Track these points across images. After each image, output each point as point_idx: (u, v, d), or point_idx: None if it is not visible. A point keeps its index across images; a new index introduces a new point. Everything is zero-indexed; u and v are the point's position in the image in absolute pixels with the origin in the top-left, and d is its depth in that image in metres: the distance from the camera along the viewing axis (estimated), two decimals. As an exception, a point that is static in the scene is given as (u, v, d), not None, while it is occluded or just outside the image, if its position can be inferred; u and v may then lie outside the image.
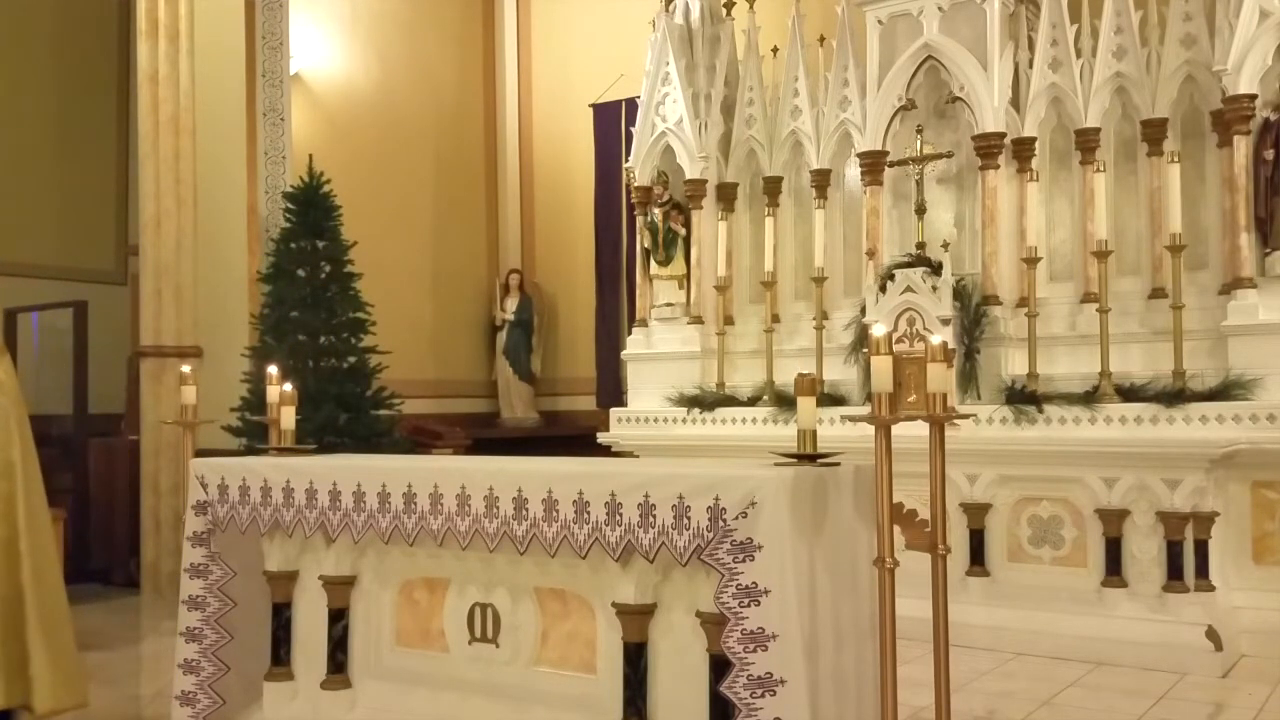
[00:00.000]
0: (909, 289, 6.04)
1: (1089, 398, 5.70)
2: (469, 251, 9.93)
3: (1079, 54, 6.12)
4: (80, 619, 6.44)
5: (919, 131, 6.32)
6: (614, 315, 9.21)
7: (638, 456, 6.81)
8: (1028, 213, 6.13)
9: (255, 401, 6.74)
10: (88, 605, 7.07)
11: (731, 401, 6.88)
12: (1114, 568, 5.49)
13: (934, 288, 5.97)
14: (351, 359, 7.16)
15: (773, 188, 7.14)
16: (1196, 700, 4.72)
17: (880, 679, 3.00)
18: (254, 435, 6.68)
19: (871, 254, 6.48)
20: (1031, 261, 5.99)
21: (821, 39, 7.03)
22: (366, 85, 9.13)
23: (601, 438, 7.36)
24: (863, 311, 6.30)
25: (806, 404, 3.18)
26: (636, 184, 7.49)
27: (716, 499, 3.01)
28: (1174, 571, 5.34)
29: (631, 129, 7.70)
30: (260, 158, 8.09)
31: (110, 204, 9.87)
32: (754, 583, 2.91)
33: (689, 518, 3.06)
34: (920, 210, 6.26)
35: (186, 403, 4.35)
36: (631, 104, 8.06)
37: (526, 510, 3.37)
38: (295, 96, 8.39)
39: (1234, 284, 5.59)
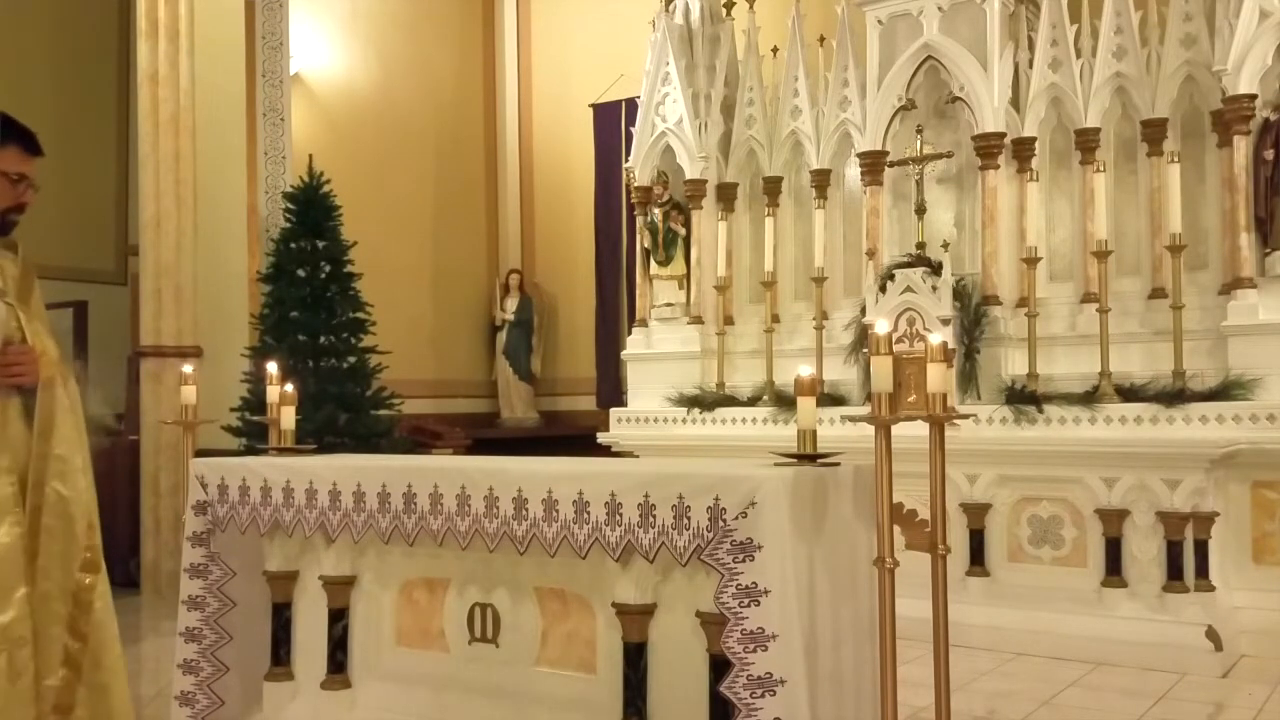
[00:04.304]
0: (909, 289, 6.04)
1: (1089, 398, 5.70)
2: (469, 251, 9.93)
3: (1079, 54, 6.12)
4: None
5: (919, 131, 6.32)
6: (614, 315, 9.21)
7: (638, 456, 6.81)
8: (1028, 213, 6.13)
9: (255, 401, 6.74)
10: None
11: (731, 401, 6.88)
12: (1114, 568, 5.49)
13: (934, 288, 5.97)
14: (351, 359, 7.16)
15: (773, 188, 7.14)
16: (1196, 700, 4.72)
17: (880, 679, 3.00)
18: (254, 435, 6.68)
19: (871, 254, 6.47)
20: (1031, 261, 5.99)
21: (821, 39, 7.03)
22: (366, 85, 9.13)
23: (601, 438, 7.36)
24: (863, 311, 6.29)
25: (806, 404, 3.17)
26: (636, 184, 7.49)
27: (716, 499, 3.00)
28: (1174, 571, 5.34)
29: (631, 129, 7.70)
30: (260, 158, 8.10)
31: (110, 204, 9.88)
32: (754, 583, 2.91)
33: (689, 518, 3.05)
34: (920, 210, 6.26)
35: (186, 403, 4.34)
36: (631, 104, 8.06)
37: (526, 510, 3.36)
38: (295, 96, 8.39)
39: (1234, 284, 5.59)
